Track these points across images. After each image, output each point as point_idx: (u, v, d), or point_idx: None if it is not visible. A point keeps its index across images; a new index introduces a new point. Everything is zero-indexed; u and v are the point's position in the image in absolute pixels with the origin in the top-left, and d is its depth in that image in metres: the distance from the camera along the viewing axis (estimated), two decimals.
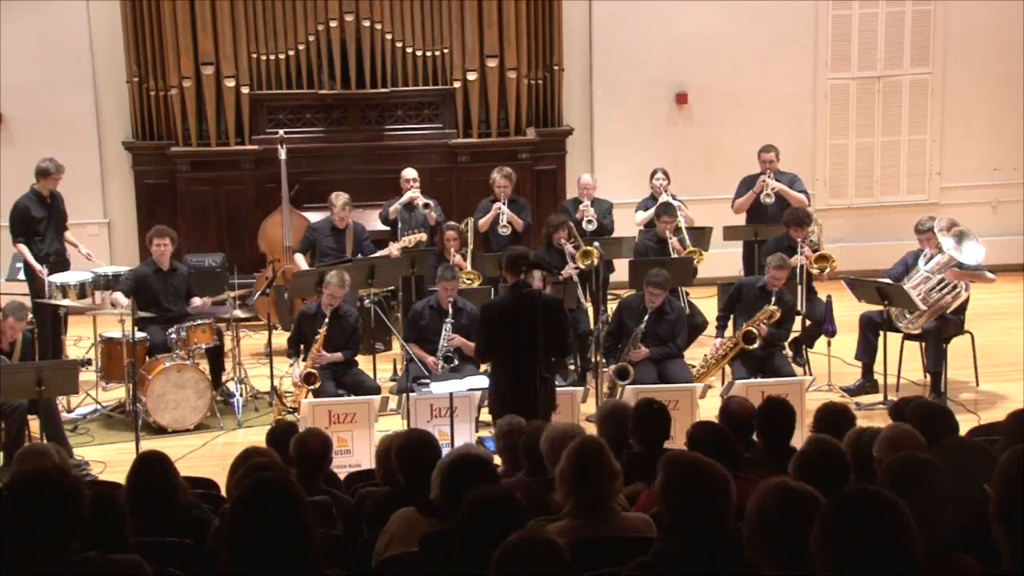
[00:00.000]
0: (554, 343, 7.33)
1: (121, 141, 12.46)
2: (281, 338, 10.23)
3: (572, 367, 9.77)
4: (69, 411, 9.36)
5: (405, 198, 10.87)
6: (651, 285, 9.12)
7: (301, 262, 10.62)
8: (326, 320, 9.05)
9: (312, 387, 8.81)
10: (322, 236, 10.70)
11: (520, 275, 7.42)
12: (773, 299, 9.27)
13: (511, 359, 7.28)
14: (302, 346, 9.18)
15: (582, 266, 9.93)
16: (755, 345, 9.13)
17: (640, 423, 5.72)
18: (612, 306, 9.91)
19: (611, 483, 4.38)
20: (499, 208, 10.75)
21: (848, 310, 10.06)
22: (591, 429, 7.39)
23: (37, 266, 9.95)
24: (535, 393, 7.10)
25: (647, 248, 10.51)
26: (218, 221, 12.34)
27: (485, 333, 7.51)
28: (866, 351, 9.58)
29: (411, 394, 8.18)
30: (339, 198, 10.61)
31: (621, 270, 10.92)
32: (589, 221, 10.75)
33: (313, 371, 8.92)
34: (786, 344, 9.66)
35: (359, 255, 10.45)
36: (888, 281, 9.50)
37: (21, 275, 10.40)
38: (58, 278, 9.88)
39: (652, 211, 10.80)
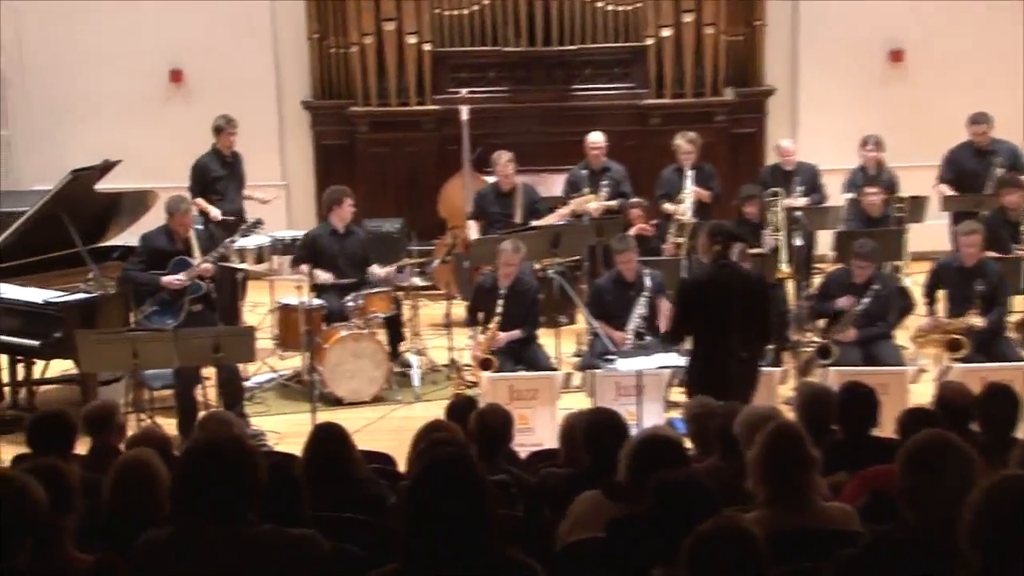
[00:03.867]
0: (755, 325, 7.18)
1: (300, 100, 12.76)
2: (460, 308, 10.35)
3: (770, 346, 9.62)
4: (245, 379, 9.60)
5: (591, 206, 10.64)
6: (858, 257, 8.91)
7: (473, 230, 10.65)
8: (501, 296, 9.09)
9: (490, 373, 8.81)
10: (488, 202, 10.71)
11: (719, 248, 7.30)
12: (978, 281, 8.92)
13: (709, 338, 7.19)
14: (481, 315, 9.25)
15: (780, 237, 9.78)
16: (962, 354, 8.86)
17: (846, 408, 5.62)
18: (816, 281, 9.70)
19: (807, 472, 4.30)
20: (685, 190, 10.57)
21: None
22: (790, 413, 7.29)
23: (216, 213, 10.36)
24: (732, 373, 7.01)
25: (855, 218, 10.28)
26: (397, 184, 12.54)
27: (682, 310, 7.39)
28: None
29: (596, 371, 8.17)
30: (501, 156, 10.60)
31: (825, 242, 10.67)
32: (800, 193, 10.56)
33: (490, 357, 8.97)
34: (1012, 325, 9.30)
35: (531, 221, 10.41)
36: None
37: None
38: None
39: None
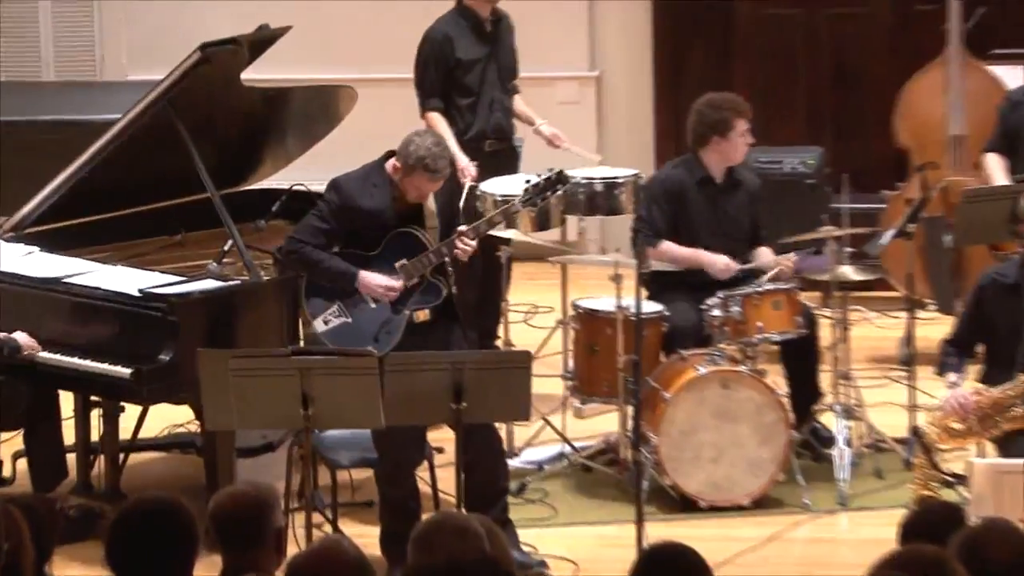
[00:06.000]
0: None
1: None
2: (935, 327, 10.29)
3: None
4: (512, 454, 9.76)
5: None
6: None
7: (995, 169, 10.53)
8: None
9: None
10: None
11: None
12: None
13: None
14: (979, 349, 9.05)
15: None
16: None
17: None
18: None
19: None
20: None
21: None
22: None
23: (462, 160, 10.34)
24: None
25: None
26: (812, 83, 12.77)
27: None
28: None
29: None
30: None
31: None
32: None
33: None
34: None
35: None
36: None
37: None
38: (495, 186, 10.26)
39: None
